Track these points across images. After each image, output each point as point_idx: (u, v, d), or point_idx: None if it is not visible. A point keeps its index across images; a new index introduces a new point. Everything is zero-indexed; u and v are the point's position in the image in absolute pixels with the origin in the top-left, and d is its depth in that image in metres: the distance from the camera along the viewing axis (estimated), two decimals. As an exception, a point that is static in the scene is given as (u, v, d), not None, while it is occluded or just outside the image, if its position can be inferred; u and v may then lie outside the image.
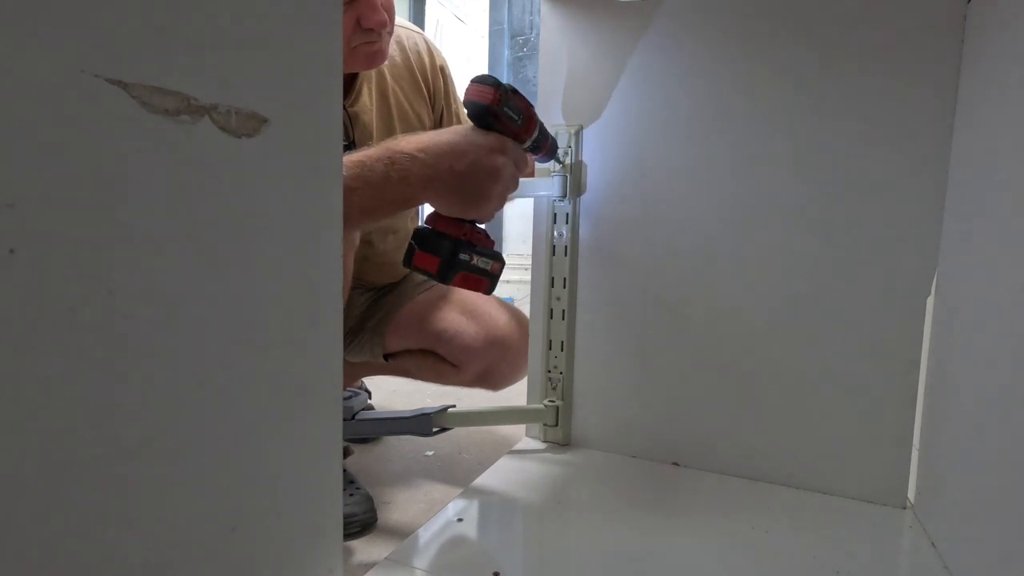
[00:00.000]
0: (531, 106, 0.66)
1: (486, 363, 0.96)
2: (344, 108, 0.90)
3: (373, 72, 0.94)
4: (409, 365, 1.04)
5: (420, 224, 0.67)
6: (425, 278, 1.05)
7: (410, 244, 0.65)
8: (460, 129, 0.64)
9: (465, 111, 1.06)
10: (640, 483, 0.76)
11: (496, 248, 0.69)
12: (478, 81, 0.63)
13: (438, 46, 1.06)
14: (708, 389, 0.79)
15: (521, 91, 0.65)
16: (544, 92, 0.85)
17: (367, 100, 0.94)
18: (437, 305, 0.99)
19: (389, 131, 0.96)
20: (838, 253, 0.72)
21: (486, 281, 0.68)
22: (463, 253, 0.64)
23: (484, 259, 0.66)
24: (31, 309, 0.24)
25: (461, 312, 0.98)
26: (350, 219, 0.58)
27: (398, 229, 1.03)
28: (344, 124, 0.90)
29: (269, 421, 0.36)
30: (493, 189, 0.63)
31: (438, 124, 1.04)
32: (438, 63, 1.03)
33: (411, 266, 0.65)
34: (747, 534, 0.64)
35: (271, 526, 0.37)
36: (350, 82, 0.91)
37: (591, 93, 0.83)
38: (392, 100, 0.97)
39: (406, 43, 0.99)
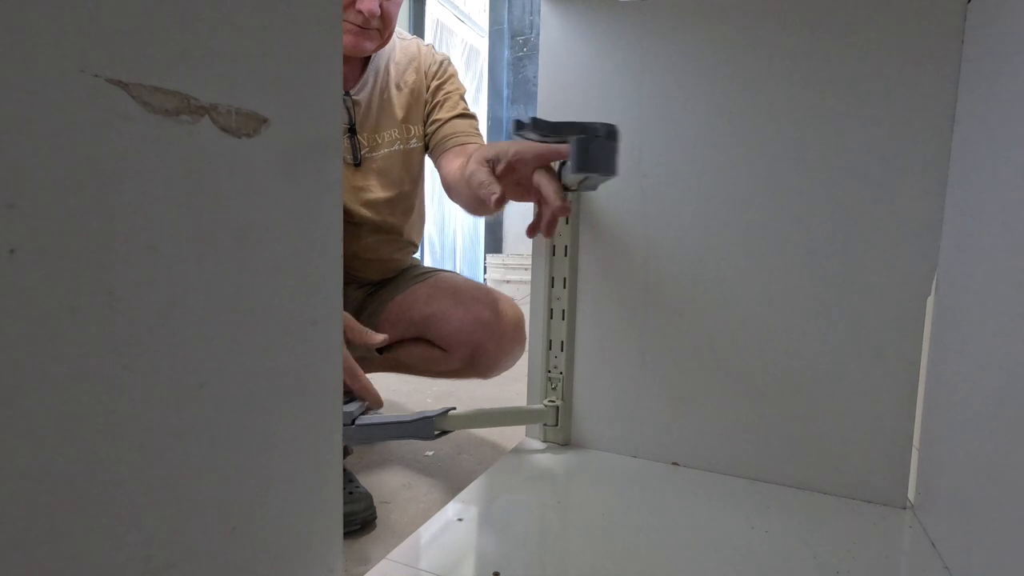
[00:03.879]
0: None
1: (473, 345, 0.98)
2: (348, 94, 0.98)
3: (380, 76, 1.02)
4: (402, 355, 1.06)
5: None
6: (420, 272, 1.08)
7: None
8: None
9: (459, 109, 1.11)
10: (640, 483, 0.76)
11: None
12: None
13: (438, 46, 1.11)
14: (708, 389, 0.79)
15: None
16: (544, 92, 0.85)
17: (370, 91, 1.01)
18: (428, 293, 1.03)
19: (377, 123, 1.03)
20: (838, 253, 0.72)
21: None
22: None
23: None
24: (31, 309, 0.24)
25: (451, 298, 1.01)
26: None
27: (387, 226, 1.06)
28: (347, 109, 0.98)
29: (269, 421, 0.36)
30: None
31: (430, 113, 1.09)
32: (448, 72, 1.09)
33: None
34: (747, 534, 0.64)
35: (271, 526, 0.37)
36: (359, 70, 1.00)
37: (591, 93, 0.83)
38: (387, 107, 1.03)
39: (422, 64, 1.06)
